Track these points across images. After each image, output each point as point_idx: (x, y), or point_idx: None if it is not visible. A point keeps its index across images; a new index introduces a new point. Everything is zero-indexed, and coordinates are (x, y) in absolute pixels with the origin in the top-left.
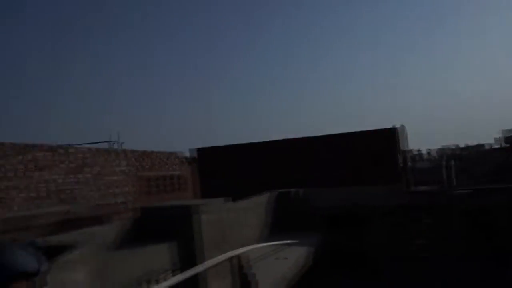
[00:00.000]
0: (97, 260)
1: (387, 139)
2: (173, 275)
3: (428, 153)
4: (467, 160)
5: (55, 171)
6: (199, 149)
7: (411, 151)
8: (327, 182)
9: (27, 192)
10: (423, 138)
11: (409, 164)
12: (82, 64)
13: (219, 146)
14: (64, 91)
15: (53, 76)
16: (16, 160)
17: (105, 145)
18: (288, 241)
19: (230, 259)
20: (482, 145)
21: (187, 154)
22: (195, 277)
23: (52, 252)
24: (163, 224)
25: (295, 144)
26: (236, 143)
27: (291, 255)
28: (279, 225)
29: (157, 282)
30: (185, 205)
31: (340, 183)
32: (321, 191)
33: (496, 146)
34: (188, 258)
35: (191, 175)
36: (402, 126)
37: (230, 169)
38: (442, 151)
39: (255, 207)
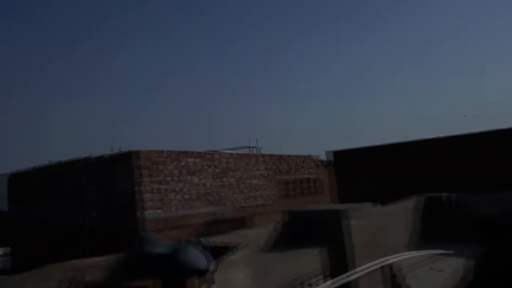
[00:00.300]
0: (255, 261)
1: None
2: (324, 280)
3: None
4: None
5: (204, 176)
6: (335, 152)
7: None
8: (486, 186)
9: (182, 194)
10: None
11: None
12: (220, 74)
13: (356, 148)
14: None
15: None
16: (172, 166)
17: (245, 150)
18: (442, 251)
19: (382, 266)
20: None
21: (323, 157)
22: (347, 283)
23: (215, 252)
24: (312, 228)
25: (443, 144)
26: (374, 145)
27: (447, 267)
28: (429, 233)
29: (310, 286)
30: (333, 210)
31: (503, 186)
32: (479, 196)
33: None
34: (338, 263)
35: (327, 178)
36: None
37: (368, 171)
38: None
39: (403, 212)
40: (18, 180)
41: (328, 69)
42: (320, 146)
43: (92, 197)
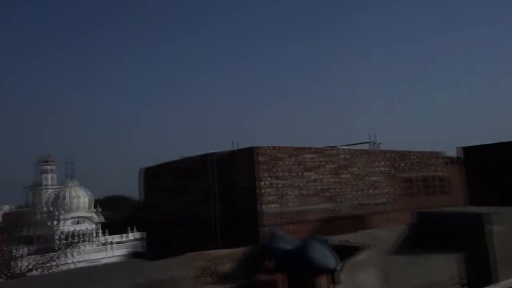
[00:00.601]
0: (382, 263)
1: None
2: None
3: None
4: None
5: (320, 171)
6: (465, 148)
7: None
8: None
9: (299, 190)
10: None
11: None
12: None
13: (493, 144)
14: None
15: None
16: (289, 162)
17: (364, 146)
18: None
19: None
20: None
21: (453, 154)
22: None
23: (338, 250)
24: (444, 232)
25: None
26: None
27: None
28: None
29: None
30: (474, 213)
31: None
32: None
33: None
34: (479, 273)
35: (457, 177)
36: None
37: (505, 170)
38: None
39: None
40: (151, 172)
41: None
42: (450, 142)
43: (214, 191)
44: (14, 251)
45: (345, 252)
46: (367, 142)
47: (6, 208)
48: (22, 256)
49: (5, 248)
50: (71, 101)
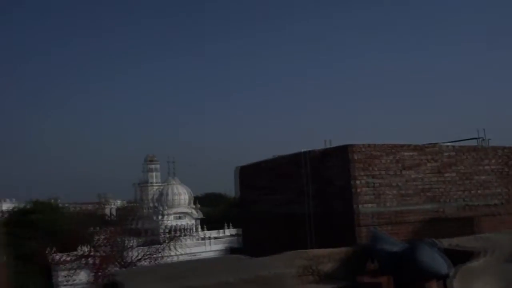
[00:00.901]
0: (502, 272)
1: None
2: None
3: None
4: None
5: (421, 170)
6: None
7: None
8: None
9: (397, 190)
10: None
11: None
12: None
13: None
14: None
15: None
16: (386, 160)
17: (471, 143)
18: None
19: None
20: None
21: None
22: None
23: (448, 255)
24: None
25: None
26: None
27: None
28: None
29: None
30: None
31: None
32: None
33: None
34: None
35: None
36: None
37: None
38: None
39: None
40: (246, 171)
41: None
42: None
43: (308, 189)
44: (126, 242)
45: (456, 257)
46: (475, 138)
47: (118, 203)
48: (132, 247)
49: (118, 239)
50: (185, 106)
